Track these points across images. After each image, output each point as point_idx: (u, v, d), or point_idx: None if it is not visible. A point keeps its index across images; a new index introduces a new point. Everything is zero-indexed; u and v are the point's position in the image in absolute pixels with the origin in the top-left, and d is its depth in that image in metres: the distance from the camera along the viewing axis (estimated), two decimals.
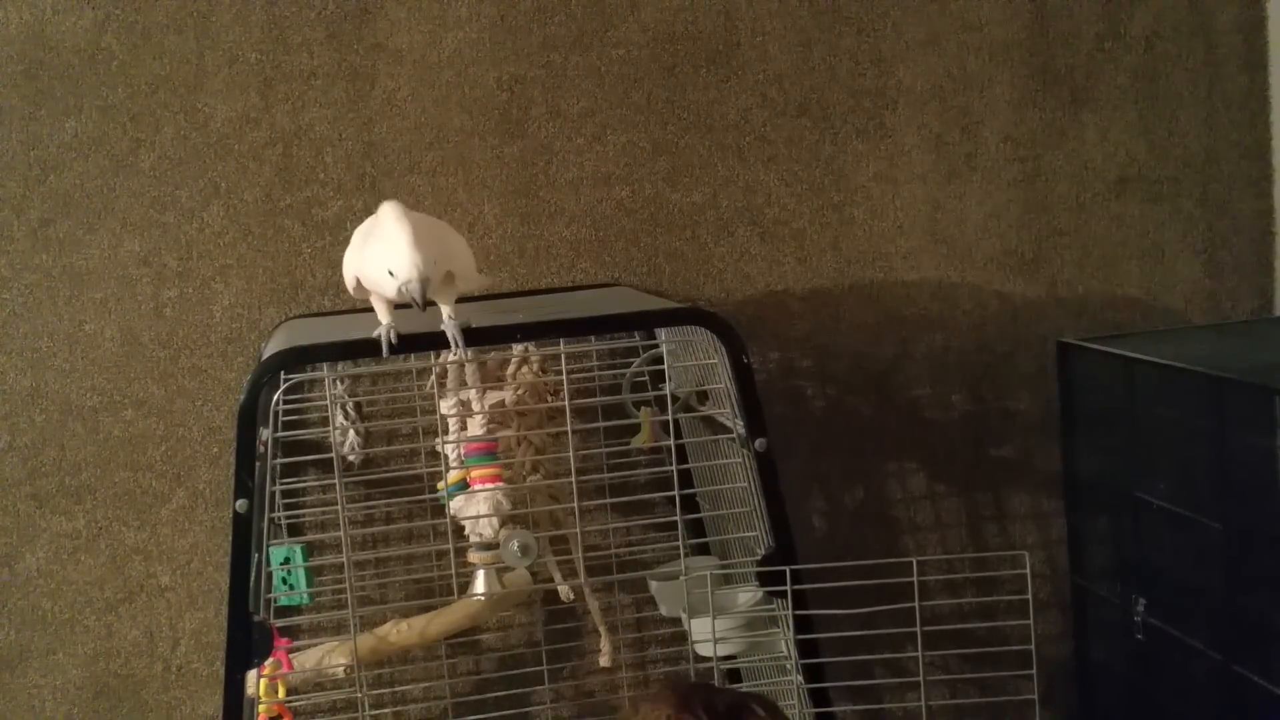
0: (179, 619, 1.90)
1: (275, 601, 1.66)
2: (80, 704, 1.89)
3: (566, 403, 1.49)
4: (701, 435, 1.78)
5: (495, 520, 1.56)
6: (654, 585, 1.75)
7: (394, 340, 1.42)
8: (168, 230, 1.86)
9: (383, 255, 1.38)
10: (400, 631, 1.66)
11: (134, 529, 1.88)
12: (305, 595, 1.74)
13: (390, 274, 1.37)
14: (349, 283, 1.48)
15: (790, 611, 1.46)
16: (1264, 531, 1.59)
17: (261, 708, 1.53)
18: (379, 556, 1.91)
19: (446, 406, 1.63)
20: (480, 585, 1.64)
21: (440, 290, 1.43)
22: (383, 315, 1.45)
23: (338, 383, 1.81)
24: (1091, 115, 2.04)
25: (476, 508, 1.57)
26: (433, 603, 1.70)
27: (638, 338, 1.77)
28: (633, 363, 1.71)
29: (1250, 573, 1.63)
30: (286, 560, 1.71)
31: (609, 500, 1.75)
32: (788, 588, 1.45)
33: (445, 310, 1.45)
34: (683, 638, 1.68)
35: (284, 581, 1.71)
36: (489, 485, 1.57)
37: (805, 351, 2.01)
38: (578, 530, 1.52)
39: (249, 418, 1.45)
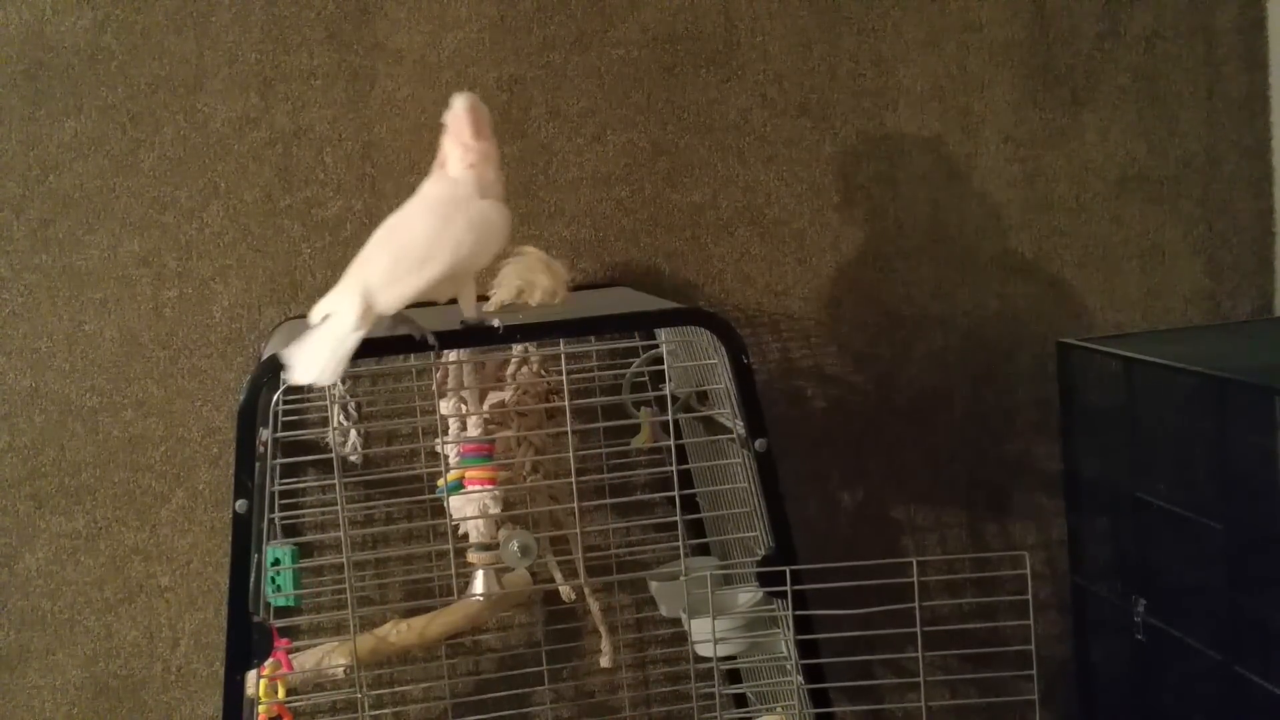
0: (179, 619, 1.90)
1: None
2: (80, 704, 1.89)
3: (566, 403, 1.49)
4: (701, 435, 1.78)
5: (485, 522, 1.56)
6: (654, 585, 1.75)
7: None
8: (167, 230, 1.86)
9: None
10: (400, 632, 1.66)
11: (134, 529, 1.88)
12: (291, 598, 1.73)
13: None
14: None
15: (790, 612, 1.46)
16: (1264, 531, 1.59)
17: (261, 708, 1.53)
18: (378, 557, 1.91)
19: (446, 407, 1.63)
20: (480, 586, 1.64)
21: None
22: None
23: (338, 383, 1.80)
24: (1091, 115, 2.04)
25: (469, 509, 1.57)
26: (432, 603, 1.70)
27: (638, 338, 1.77)
28: (633, 363, 1.71)
29: (1250, 573, 1.62)
30: (277, 562, 1.71)
31: (609, 500, 1.75)
32: (788, 588, 1.45)
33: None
34: (683, 638, 1.68)
35: (273, 581, 1.71)
36: (482, 487, 1.57)
37: (805, 351, 2.00)
38: (578, 531, 1.52)
39: (249, 418, 1.45)
